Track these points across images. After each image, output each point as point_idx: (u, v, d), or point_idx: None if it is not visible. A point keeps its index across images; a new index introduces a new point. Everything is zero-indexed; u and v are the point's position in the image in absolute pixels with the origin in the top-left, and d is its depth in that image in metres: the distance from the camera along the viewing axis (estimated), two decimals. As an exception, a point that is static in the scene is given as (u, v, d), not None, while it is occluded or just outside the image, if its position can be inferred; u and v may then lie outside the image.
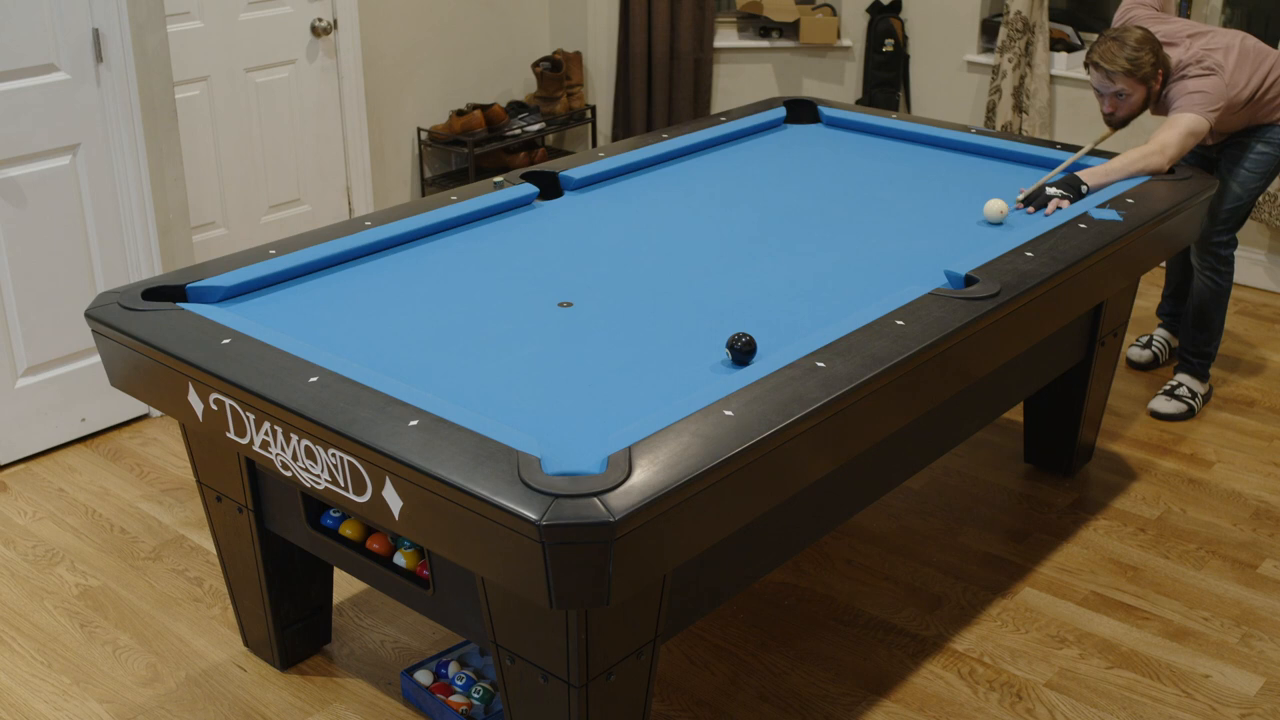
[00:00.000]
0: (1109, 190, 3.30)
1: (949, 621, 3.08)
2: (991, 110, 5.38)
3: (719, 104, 5.93)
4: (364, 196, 5.22)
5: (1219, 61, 3.57)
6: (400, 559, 2.44)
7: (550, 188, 3.37)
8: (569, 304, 2.72)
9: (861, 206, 3.29)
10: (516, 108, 5.57)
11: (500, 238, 3.08)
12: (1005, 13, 5.24)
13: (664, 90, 5.81)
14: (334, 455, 2.17)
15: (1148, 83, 3.55)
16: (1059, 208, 3.21)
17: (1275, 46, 4.86)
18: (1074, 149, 3.63)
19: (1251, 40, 3.69)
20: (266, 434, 2.30)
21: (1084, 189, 3.28)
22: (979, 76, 5.54)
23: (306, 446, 2.22)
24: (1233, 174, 3.83)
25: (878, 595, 3.18)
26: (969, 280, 2.72)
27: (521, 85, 5.86)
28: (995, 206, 3.14)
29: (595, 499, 1.90)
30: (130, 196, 3.84)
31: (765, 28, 5.88)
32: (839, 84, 5.86)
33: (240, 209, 4.83)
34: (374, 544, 2.48)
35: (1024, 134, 5.11)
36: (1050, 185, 3.28)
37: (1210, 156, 3.95)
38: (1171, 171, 3.43)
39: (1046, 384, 3.41)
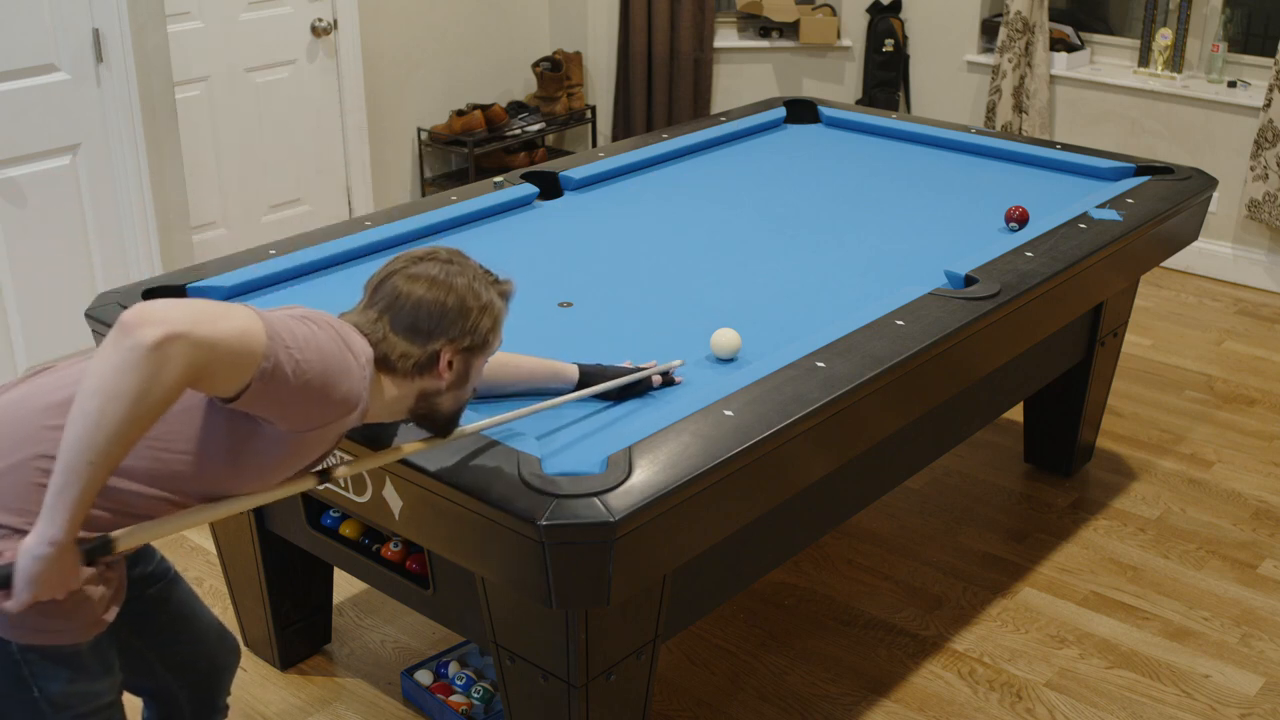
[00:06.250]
0: (1109, 190, 3.30)
1: (949, 621, 3.08)
2: (991, 110, 5.38)
3: (719, 104, 5.93)
4: (364, 196, 5.22)
5: None
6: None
7: (550, 188, 3.36)
8: (569, 304, 2.72)
9: (861, 206, 3.29)
10: (516, 108, 5.57)
11: (500, 238, 3.08)
12: (1005, 13, 5.24)
13: (664, 90, 5.81)
14: (334, 455, 2.17)
15: None
16: None
17: (1275, 50, 4.87)
18: (1074, 149, 3.61)
19: None
20: (266, 434, 2.30)
21: None
22: (979, 76, 5.54)
23: (306, 446, 2.22)
24: None
25: (878, 595, 3.18)
26: (969, 280, 2.72)
27: (521, 85, 5.86)
28: (728, 341, 2.45)
29: (595, 499, 1.90)
30: (130, 196, 3.84)
31: (765, 28, 5.88)
32: (839, 84, 5.86)
33: (240, 209, 4.83)
34: (411, 564, 2.46)
35: (1024, 134, 5.11)
36: None
37: None
38: (1172, 171, 3.42)
39: (1046, 384, 3.41)
